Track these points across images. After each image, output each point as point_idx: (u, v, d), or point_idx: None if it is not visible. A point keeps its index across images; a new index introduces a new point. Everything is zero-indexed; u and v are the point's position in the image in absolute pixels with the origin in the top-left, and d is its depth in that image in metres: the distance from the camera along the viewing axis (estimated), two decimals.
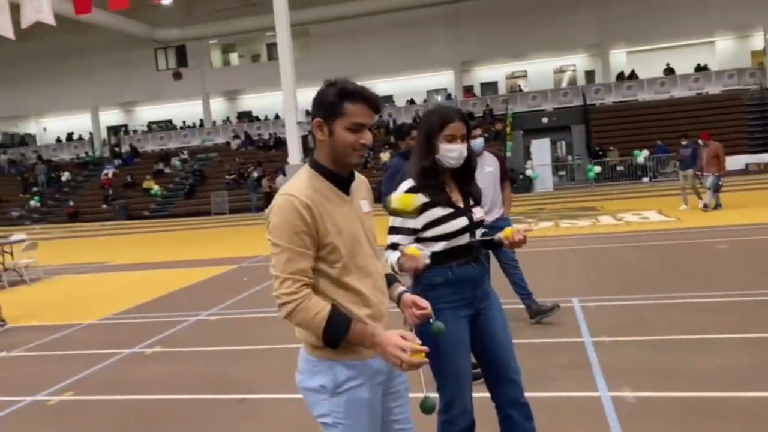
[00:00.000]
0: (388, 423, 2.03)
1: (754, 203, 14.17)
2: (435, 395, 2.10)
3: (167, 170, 30.67)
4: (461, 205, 2.55)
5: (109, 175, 30.52)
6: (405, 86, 32.77)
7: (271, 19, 19.51)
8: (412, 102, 31.75)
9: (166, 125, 36.03)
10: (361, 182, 2.08)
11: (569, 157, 27.09)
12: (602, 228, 12.21)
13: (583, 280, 7.48)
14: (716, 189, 13.12)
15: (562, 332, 5.34)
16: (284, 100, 19.44)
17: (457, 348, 2.49)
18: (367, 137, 1.93)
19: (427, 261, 2.32)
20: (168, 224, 23.58)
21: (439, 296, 2.47)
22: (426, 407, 1.86)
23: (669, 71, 28.64)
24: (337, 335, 1.82)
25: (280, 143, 28.39)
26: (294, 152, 19.34)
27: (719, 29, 28.81)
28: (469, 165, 2.60)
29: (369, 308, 1.94)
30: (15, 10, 20.09)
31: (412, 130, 4.73)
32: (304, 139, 27.84)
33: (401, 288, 2.18)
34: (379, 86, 33.37)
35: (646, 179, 23.39)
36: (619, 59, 30.64)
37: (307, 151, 27.83)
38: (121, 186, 29.50)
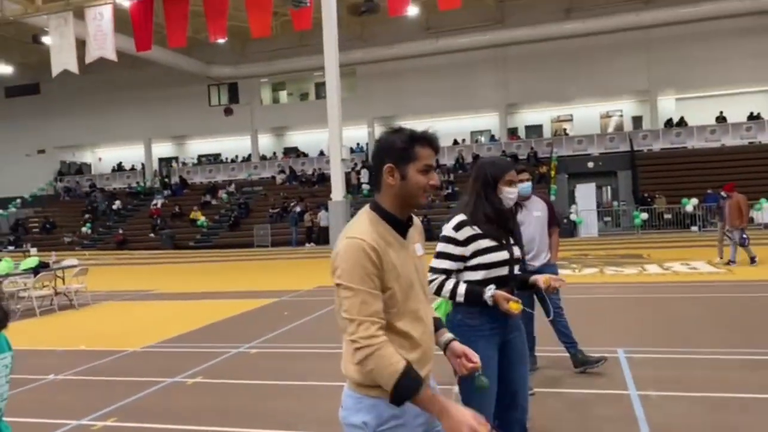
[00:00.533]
0: None
1: None
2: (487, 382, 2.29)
3: (214, 202, 31.39)
4: (504, 241, 2.88)
5: (158, 205, 31.38)
6: (449, 127, 32.99)
7: (320, 59, 20.08)
8: (455, 143, 31.90)
9: (215, 158, 37.05)
10: (415, 226, 2.12)
11: (615, 203, 26.64)
12: (649, 277, 11.91)
13: (629, 330, 7.27)
14: (742, 243, 12.66)
15: (607, 384, 5.19)
16: (330, 137, 19.82)
17: (487, 373, 2.64)
18: (435, 178, 2.02)
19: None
20: (212, 255, 24.02)
21: (476, 325, 2.79)
22: (479, 385, 2.14)
23: (721, 119, 28.09)
24: (406, 393, 1.82)
25: (324, 179, 28.81)
26: (338, 188, 19.60)
27: None
28: (511, 211, 3.03)
29: (417, 352, 1.96)
30: (80, 45, 21.24)
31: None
32: (347, 175, 28.24)
33: (449, 335, 2.26)
34: (423, 126, 33.58)
35: (695, 228, 22.75)
36: (668, 105, 30.23)
37: (350, 187, 28.20)
38: (169, 216, 30.27)
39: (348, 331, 1.87)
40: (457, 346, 2.18)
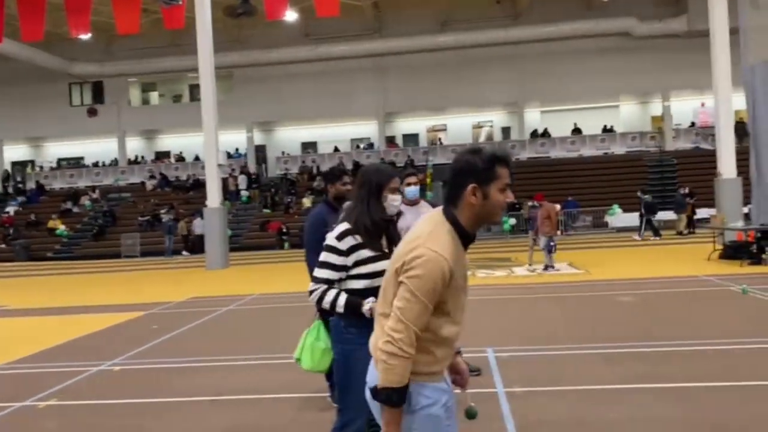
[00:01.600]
0: None
1: (659, 258, 15.06)
2: (475, 406, 2.38)
3: (75, 209, 29.15)
4: (386, 249, 2.88)
5: (11, 213, 28.65)
6: (329, 134, 33.09)
7: (194, 60, 19.33)
8: (336, 150, 32.01)
9: (77, 162, 34.46)
10: None
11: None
12: (516, 279, 12.58)
13: (498, 330, 7.61)
14: (549, 250, 13.26)
15: (476, 382, 5.37)
16: (205, 141, 19.11)
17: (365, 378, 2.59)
18: (511, 196, 2.14)
19: None
20: (73, 267, 22.24)
21: (358, 334, 2.77)
22: (470, 414, 2.32)
23: (577, 131, 30.44)
24: (391, 400, 2.03)
25: (199, 185, 27.71)
26: (214, 195, 18.92)
27: (623, 94, 31.04)
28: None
29: (448, 349, 2.16)
30: None
31: (344, 175, 4.66)
32: (224, 182, 27.38)
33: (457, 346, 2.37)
34: (303, 132, 33.55)
35: (558, 232, 24.41)
36: (534, 117, 32.28)
37: (227, 194, 27.33)
38: (23, 225, 27.71)
39: (391, 324, 2.02)
40: (463, 364, 2.39)
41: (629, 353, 6.09)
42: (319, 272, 2.90)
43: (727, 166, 16.13)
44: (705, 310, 8.20)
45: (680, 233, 20.78)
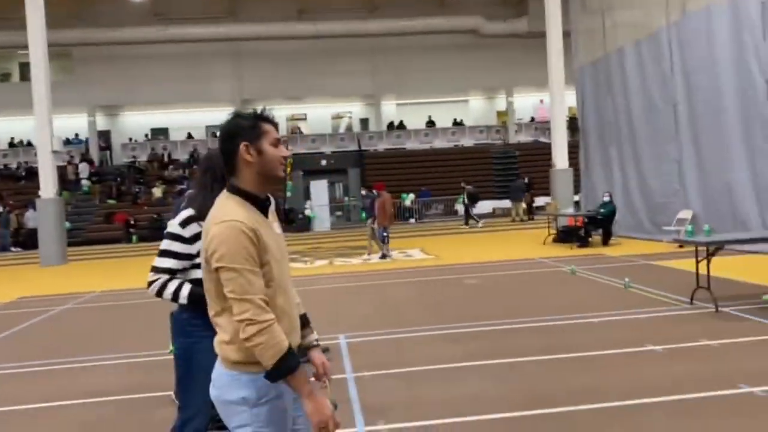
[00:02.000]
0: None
1: (503, 242, 16.14)
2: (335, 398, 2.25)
3: None
4: None
5: None
6: (182, 120, 31.55)
7: (25, 36, 17.48)
8: (190, 136, 30.64)
9: None
10: (272, 206, 2.20)
11: (346, 199, 28.28)
12: (371, 266, 12.87)
13: (352, 316, 7.75)
14: (382, 239, 13.65)
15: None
16: (38, 126, 17.38)
17: (209, 377, 2.49)
18: (285, 151, 2.12)
19: None
20: None
21: (201, 325, 2.63)
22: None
23: (431, 123, 31.72)
24: (285, 371, 1.92)
25: (32, 174, 25.22)
26: (48, 184, 17.31)
27: (472, 89, 32.78)
28: None
29: (289, 322, 2.08)
30: None
31: None
32: (62, 170, 25.18)
33: (313, 337, 2.32)
34: (153, 118, 31.71)
35: (412, 220, 25.34)
36: (390, 109, 33.11)
37: (66, 184, 25.11)
38: None
39: (236, 311, 1.92)
40: (319, 357, 2.29)
41: (471, 333, 6.49)
42: (159, 262, 2.79)
43: (560, 157, 17.63)
44: (539, 290, 8.94)
45: (514, 220, 22.43)
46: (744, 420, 3.84)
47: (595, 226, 14.15)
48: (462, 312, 7.58)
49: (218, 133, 2.15)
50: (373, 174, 27.88)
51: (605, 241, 13.93)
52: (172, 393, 4.88)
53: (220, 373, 2.08)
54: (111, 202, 25.97)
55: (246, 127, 2.07)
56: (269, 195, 2.18)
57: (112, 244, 22.15)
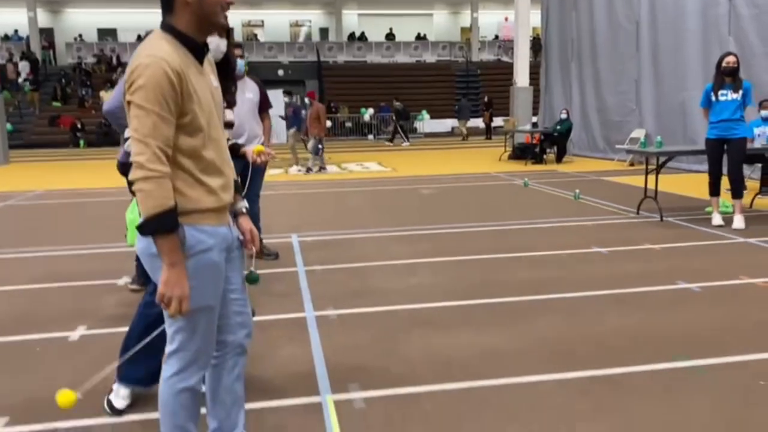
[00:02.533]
0: (225, 291, 2.10)
1: (460, 159, 16.19)
2: (255, 270, 2.27)
3: None
4: None
5: None
6: (133, 20, 29.84)
7: None
8: (140, 38, 29.06)
9: None
10: (208, 55, 2.04)
11: (303, 111, 27.67)
12: (329, 176, 12.76)
13: (305, 218, 7.71)
14: (316, 152, 12.90)
15: (279, 264, 5.43)
16: None
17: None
18: None
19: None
20: None
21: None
22: (251, 279, 2.20)
23: (391, 36, 30.86)
24: (162, 227, 1.79)
25: None
26: None
27: (437, 3, 31.86)
28: (228, 63, 2.92)
29: (222, 179, 1.99)
30: None
31: None
32: (2, 68, 23.72)
33: (243, 204, 2.20)
34: (101, 17, 29.88)
35: (371, 136, 25.08)
36: (352, 20, 31.99)
37: (5, 83, 23.69)
38: None
39: (135, 151, 1.78)
40: (246, 223, 2.18)
41: (423, 234, 6.55)
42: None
43: (521, 75, 17.48)
44: (492, 199, 9.04)
45: (464, 138, 22.43)
46: (680, 311, 4.02)
47: (550, 143, 14.26)
48: (416, 217, 7.62)
49: None
50: (332, 87, 27.24)
51: (559, 159, 14.11)
52: (128, 280, 4.81)
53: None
54: (56, 104, 24.76)
55: None
56: (206, 41, 1.99)
57: (57, 148, 21.31)
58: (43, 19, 29.18)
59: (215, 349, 2.12)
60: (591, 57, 15.25)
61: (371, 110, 25.46)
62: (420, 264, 5.33)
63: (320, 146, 12.90)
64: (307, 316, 4.03)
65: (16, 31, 28.26)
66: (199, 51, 1.93)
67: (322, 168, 13.35)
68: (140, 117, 1.77)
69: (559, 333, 3.65)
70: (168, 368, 2.00)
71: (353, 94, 26.95)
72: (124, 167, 3.95)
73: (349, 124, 25.74)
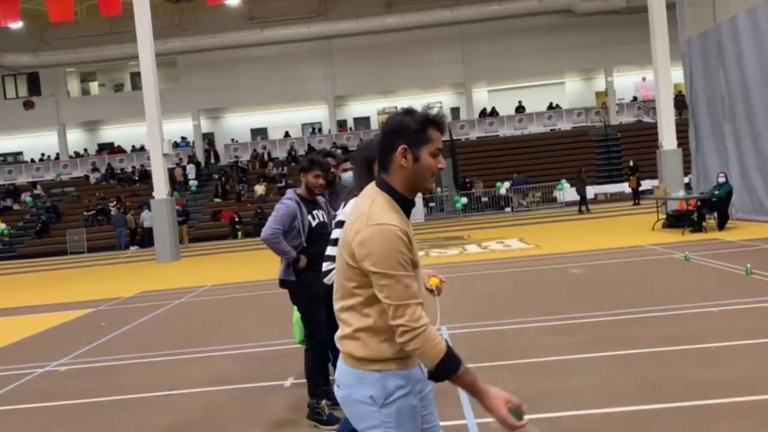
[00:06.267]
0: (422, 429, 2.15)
1: (607, 230, 15.47)
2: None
3: (16, 207, 28.05)
4: None
5: None
6: (279, 119, 32.66)
7: (134, 47, 18.68)
8: (287, 135, 31.63)
9: (15, 158, 33.08)
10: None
11: (438, 189, 28.18)
12: (469, 256, 12.72)
13: (451, 307, 7.68)
14: None
15: None
16: (149, 131, 18.55)
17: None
18: (443, 162, 2.06)
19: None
20: (16, 266, 21.43)
21: None
22: (517, 415, 2.00)
23: (521, 109, 30.85)
24: (448, 371, 1.90)
25: (146, 176, 27.01)
26: (160, 186, 18.43)
27: (568, 71, 31.60)
28: None
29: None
30: None
31: (315, 166, 4.25)
32: (171, 172, 26.71)
33: None
34: (253, 118, 33.00)
35: (508, 209, 24.82)
36: (481, 96, 32.56)
37: (175, 184, 26.68)
38: None
39: (391, 316, 1.90)
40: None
41: (578, 324, 6.24)
42: (331, 250, 2.99)
43: (667, 138, 16.62)
44: (650, 278, 8.47)
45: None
46: None
47: (708, 209, 13.22)
48: (567, 302, 7.31)
49: (384, 124, 2.06)
50: (465, 163, 27.60)
51: (721, 225, 12.98)
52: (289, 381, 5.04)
53: (344, 371, 2.04)
54: (217, 200, 27.32)
55: (411, 130, 1.98)
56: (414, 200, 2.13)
57: (219, 240, 23.32)
58: (205, 125, 32.81)
59: None
60: (746, 114, 14.18)
61: (507, 183, 25.31)
62: (579, 360, 5.07)
63: None
64: (467, 423, 3.95)
65: (183, 138, 31.97)
66: (408, 206, 2.06)
67: None
68: (390, 285, 1.88)
69: None
70: None
71: (487, 169, 27.07)
72: (283, 283, 4.36)
73: (485, 199, 25.74)
